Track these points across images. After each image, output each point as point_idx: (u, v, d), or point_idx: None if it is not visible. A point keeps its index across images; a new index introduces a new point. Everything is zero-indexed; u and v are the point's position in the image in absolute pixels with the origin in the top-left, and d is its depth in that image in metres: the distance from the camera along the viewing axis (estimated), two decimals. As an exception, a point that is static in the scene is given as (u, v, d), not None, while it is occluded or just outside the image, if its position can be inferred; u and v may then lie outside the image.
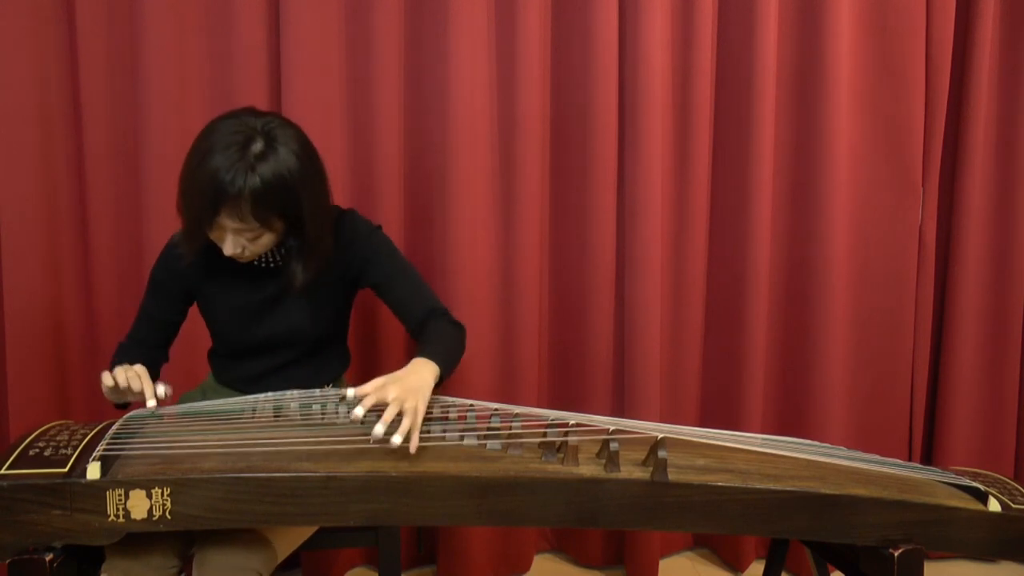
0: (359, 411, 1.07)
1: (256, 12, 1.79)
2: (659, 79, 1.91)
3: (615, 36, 1.91)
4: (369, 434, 1.10)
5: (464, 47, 1.84)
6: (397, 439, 1.08)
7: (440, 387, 1.26)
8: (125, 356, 1.40)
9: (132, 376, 1.22)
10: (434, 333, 1.33)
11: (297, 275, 1.35)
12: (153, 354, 1.45)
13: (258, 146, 1.21)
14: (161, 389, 1.24)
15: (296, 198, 1.25)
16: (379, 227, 1.46)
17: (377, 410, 1.11)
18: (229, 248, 1.27)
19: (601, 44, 1.89)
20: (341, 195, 1.84)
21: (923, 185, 2.07)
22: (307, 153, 1.28)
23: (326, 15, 1.82)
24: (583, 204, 1.97)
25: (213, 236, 1.28)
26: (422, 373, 1.19)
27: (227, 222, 1.23)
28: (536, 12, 1.87)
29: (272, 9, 1.81)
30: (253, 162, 1.20)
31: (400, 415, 1.10)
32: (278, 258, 1.40)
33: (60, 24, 1.77)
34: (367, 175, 1.89)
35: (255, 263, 1.40)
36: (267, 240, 1.29)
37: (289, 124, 1.28)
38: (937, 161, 2.06)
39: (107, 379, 1.23)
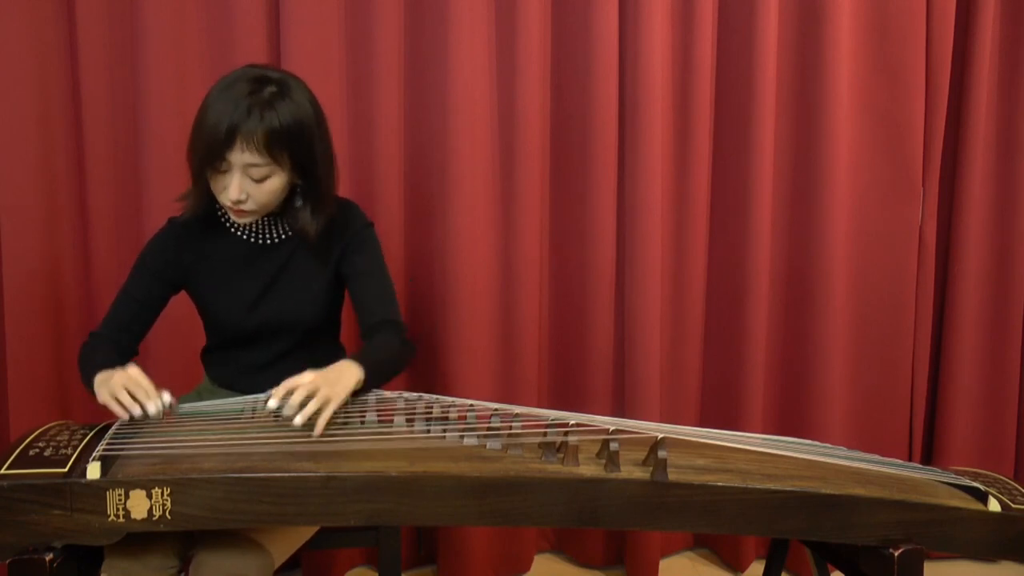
0: (272, 403, 1.15)
1: (256, 11, 1.79)
2: (659, 79, 1.90)
3: (615, 35, 1.91)
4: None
5: (464, 45, 1.84)
6: (298, 420, 1.13)
7: (364, 392, 1.28)
8: (97, 352, 1.34)
9: (137, 388, 1.18)
10: (377, 342, 1.36)
11: (308, 226, 1.37)
12: (125, 343, 1.40)
13: (273, 88, 1.27)
14: (167, 397, 1.22)
15: (308, 141, 1.30)
16: (371, 224, 1.47)
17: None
18: (234, 191, 1.28)
19: (601, 43, 1.89)
20: (341, 191, 1.83)
21: (923, 185, 2.07)
22: (317, 105, 1.34)
23: (326, 13, 1.82)
24: (583, 204, 1.97)
25: (219, 183, 1.29)
26: (346, 371, 1.23)
27: (238, 156, 1.25)
28: (536, 11, 1.87)
29: (272, 8, 1.81)
30: (269, 99, 1.25)
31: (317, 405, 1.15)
32: (277, 232, 1.41)
33: (60, 24, 1.77)
34: (367, 173, 1.89)
35: (253, 239, 1.41)
36: (273, 185, 1.30)
37: (301, 80, 1.34)
38: (937, 161, 2.06)
39: (106, 399, 1.19)
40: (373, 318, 1.40)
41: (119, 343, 1.38)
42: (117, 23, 1.77)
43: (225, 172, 1.28)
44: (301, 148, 1.29)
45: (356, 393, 1.26)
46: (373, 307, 1.41)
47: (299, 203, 1.37)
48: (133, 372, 1.22)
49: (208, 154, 1.25)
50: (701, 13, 1.94)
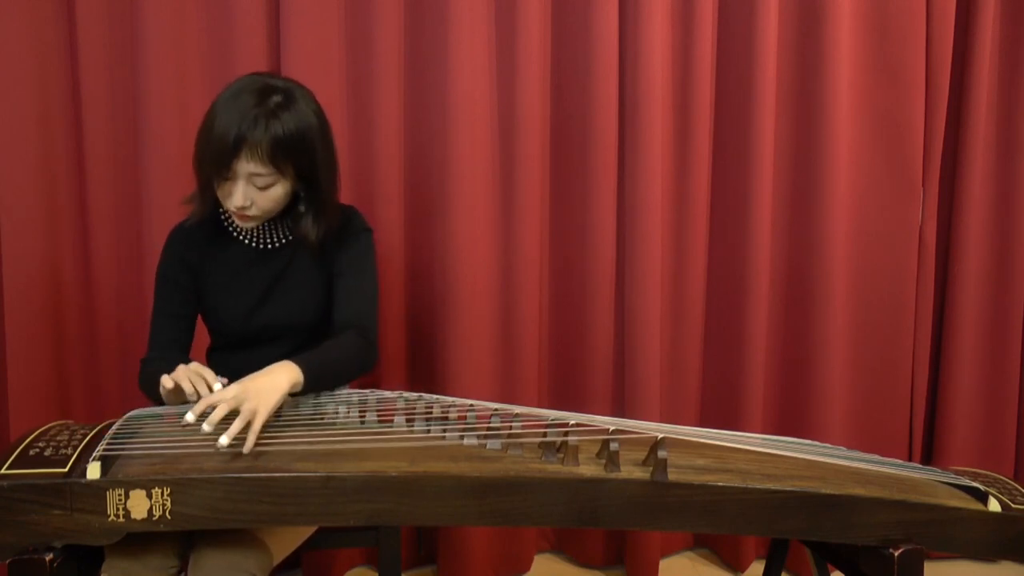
0: (189, 417, 1.09)
1: (256, 11, 1.79)
2: (659, 79, 1.91)
3: (615, 35, 1.91)
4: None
5: (464, 45, 1.84)
6: (223, 440, 1.07)
7: (301, 394, 1.25)
8: (158, 367, 1.32)
9: (196, 378, 1.18)
10: (331, 343, 1.33)
11: (309, 232, 1.38)
12: (172, 359, 1.38)
13: (278, 98, 1.28)
14: (217, 385, 1.20)
15: (312, 150, 1.31)
16: (370, 230, 1.48)
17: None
18: (239, 198, 1.29)
19: (601, 43, 1.89)
20: (341, 192, 1.83)
21: (923, 185, 2.07)
22: (322, 114, 1.35)
23: (326, 13, 1.82)
24: (583, 204, 1.97)
25: (224, 190, 1.31)
26: (275, 375, 1.17)
27: (243, 165, 1.26)
28: (536, 11, 1.87)
29: (272, 8, 1.82)
30: (274, 109, 1.27)
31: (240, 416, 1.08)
32: (279, 236, 1.42)
33: (60, 24, 1.77)
34: (367, 173, 1.89)
35: (256, 244, 1.42)
36: (276, 193, 1.32)
37: (306, 88, 1.35)
38: (937, 161, 2.06)
39: (167, 382, 1.19)
40: (342, 320, 1.39)
41: (166, 359, 1.36)
42: (117, 23, 1.77)
43: (230, 180, 1.29)
44: (304, 157, 1.31)
45: (296, 394, 1.23)
46: (342, 307, 1.40)
47: (302, 208, 1.38)
48: (194, 365, 1.22)
49: (215, 164, 1.27)
50: (701, 13, 1.94)
